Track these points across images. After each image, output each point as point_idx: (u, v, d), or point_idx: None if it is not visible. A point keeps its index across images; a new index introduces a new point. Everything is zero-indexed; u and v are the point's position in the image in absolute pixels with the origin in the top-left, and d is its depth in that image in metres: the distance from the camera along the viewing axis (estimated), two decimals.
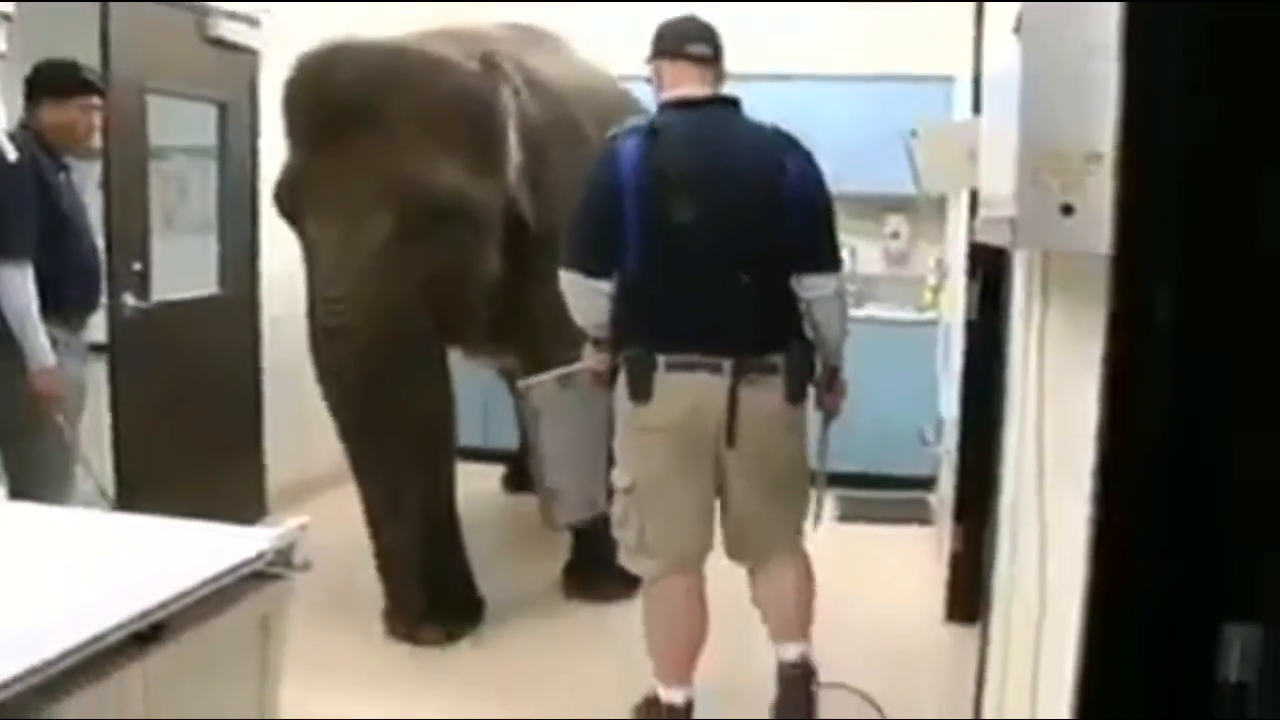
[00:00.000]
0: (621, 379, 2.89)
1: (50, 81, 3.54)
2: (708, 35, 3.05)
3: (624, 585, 3.69)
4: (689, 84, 2.99)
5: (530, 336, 3.91)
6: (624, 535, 2.97)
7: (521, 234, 3.70)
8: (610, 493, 3.03)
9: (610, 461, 3.01)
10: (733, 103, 3.02)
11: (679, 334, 2.83)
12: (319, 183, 3.48)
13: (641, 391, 2.83)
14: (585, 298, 2.93)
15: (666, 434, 2.86)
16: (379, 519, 3.66)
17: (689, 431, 2.85)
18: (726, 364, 2.81)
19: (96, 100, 3.62)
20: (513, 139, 3.59)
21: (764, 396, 2.85)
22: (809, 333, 2.98)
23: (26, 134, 3.44)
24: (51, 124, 3.51)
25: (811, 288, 2.92)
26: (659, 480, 2.89)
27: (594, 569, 3.98)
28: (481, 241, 3.59)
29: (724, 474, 2.92)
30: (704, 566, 3.00)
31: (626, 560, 3.04)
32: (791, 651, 3.02)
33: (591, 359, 3.06)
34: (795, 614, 3.04)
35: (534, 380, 3.12)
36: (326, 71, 3.45)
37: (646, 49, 3.10)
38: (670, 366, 2.81)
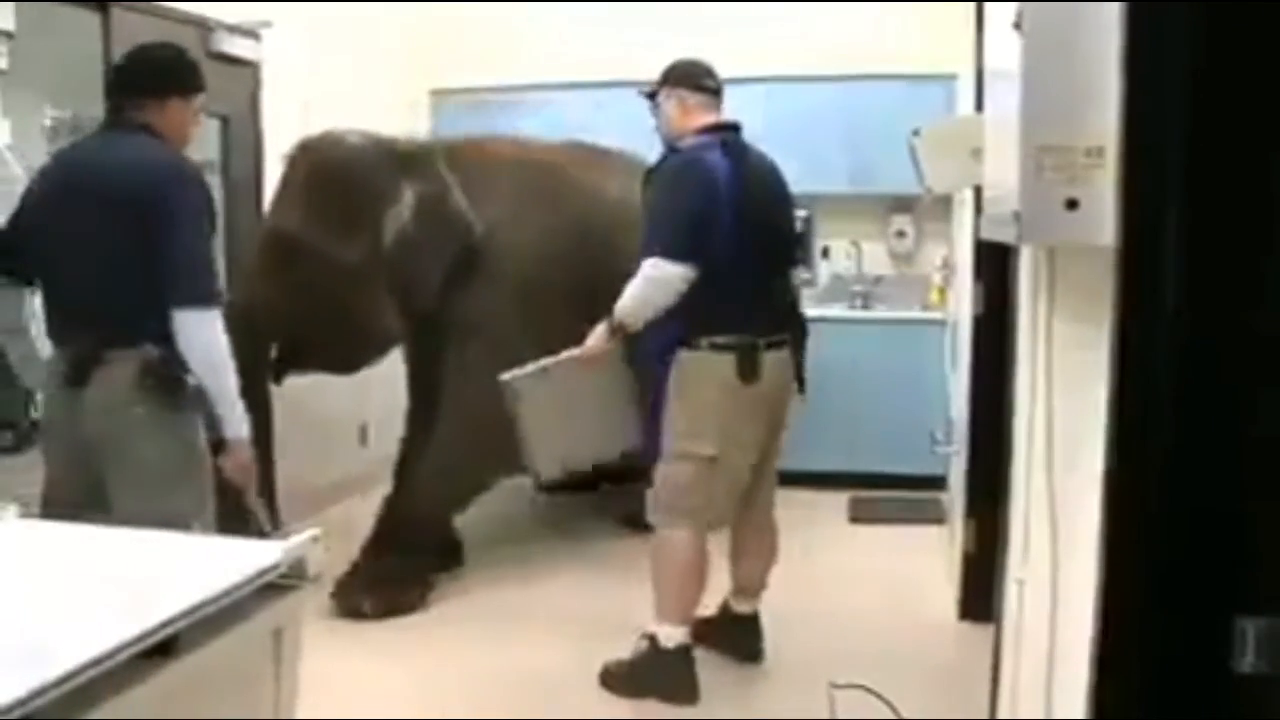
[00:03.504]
0: (709, 360, 3.23)
1: (181, 74, 2.86)
2: (714, 72, 3.49)
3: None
4: (712, 113, 3.44)
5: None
6: (688, 499, 3.27)
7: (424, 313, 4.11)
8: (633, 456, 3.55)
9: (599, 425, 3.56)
10: (739, 129, 3.47)
11: (766, 320, 3.31)
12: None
13: (752, 372, 3.23)
14: (667, 285, 3.18)
15: (758, 406, 3.30)
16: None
17: (770, 403, 3.35)
18: (786, 339, 3.37)
19: (203, 99, 2.96)
20: (396, 217, 4.05)
21: (794, 364, 3.44)
22: None
23: (171, 145, 2.77)
24: (171, 126, 2.81)
25: (794, 277, 3.63)
26: (740, 450, 3.30)
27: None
28: (338, 288, 3.98)
29: (767, 437, 3.41)
30: None
31: (667, 518, 3.31)
32: (756, 603, 3.60)
33: (601, 343, 3.31)
34: (767, 573, 3.60)
35: (513, 374, 3.52)
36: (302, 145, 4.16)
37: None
38: (764, 347, 3.29)
